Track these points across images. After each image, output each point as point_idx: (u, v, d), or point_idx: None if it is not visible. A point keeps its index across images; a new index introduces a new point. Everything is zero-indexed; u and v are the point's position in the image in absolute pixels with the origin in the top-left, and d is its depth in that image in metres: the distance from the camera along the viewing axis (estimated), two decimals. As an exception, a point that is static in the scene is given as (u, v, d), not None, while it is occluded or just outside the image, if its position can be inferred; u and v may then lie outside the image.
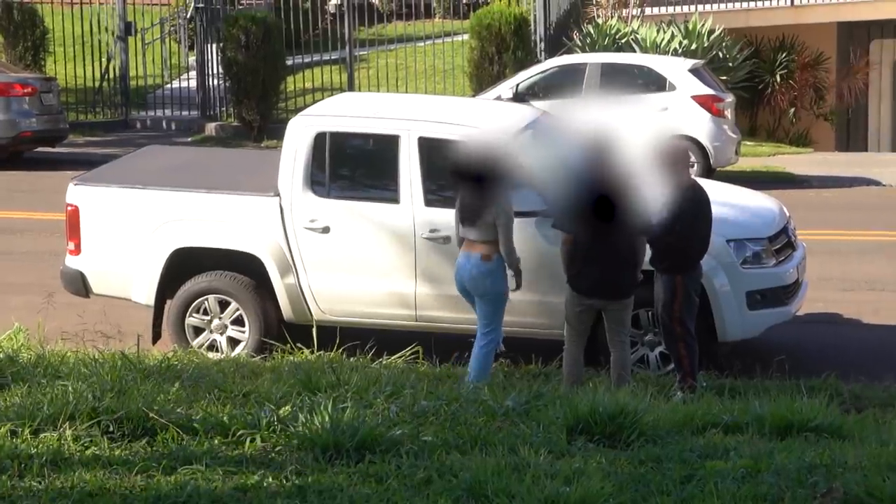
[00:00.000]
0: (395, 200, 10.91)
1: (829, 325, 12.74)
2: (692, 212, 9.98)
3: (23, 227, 16.26)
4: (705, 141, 19.23)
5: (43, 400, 7.18)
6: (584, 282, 9.78)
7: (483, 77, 22.29)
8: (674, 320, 10.04)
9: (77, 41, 24.99)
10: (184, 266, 11.24)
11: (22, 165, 20.83)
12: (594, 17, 24.98)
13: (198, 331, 11.27)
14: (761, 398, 8.91)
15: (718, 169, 19.53)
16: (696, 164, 18.81)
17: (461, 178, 10.15)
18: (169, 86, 25.79)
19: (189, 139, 23.32)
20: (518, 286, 10.06)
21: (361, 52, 25.57)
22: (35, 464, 6.43)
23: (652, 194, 9.94)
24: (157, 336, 11.24)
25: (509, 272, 9.98)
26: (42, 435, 6.76)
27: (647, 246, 9.91)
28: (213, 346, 11.20)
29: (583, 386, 9.43)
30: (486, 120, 11.42)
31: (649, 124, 18.64)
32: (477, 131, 10.82)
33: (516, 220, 9.96)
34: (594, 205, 9.47)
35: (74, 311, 11.39)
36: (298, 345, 10.50)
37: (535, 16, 23.98)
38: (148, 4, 26.40)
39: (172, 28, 27.52)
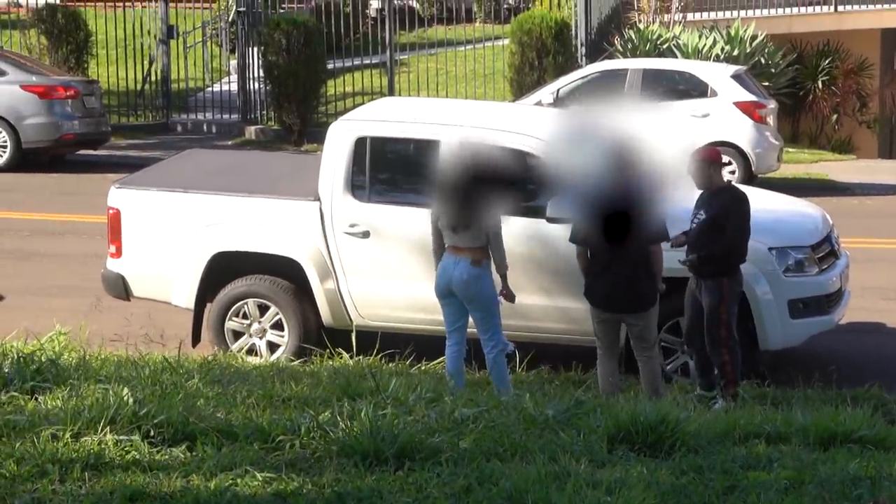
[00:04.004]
0: (436, 206, 10.88)
1: (871, 334, 12.61)
2: (733, 213, 9.90)
3: (64, 230, 16.33)
4: (747, 147, 19.11)
5: (84, 404, 7.18)
6: (595, 294, 9.69)
7: (523, 82, 22.24)
8: (720, 324, 9.91)
9: (119, 44, 25.12)
10: (224, 270, 11.25)
11: (64, 168, 20.92)
12: (636, 22, 24.88)
13: (237, 335, 11.27)
14: (804, 408, 8.84)
15: (760, 176, 19.41)
16: (736, 171, 18.71)
17: (459, 183, 9.79)
18: (210, 89, 25.88)
19: (229, 142, 23.38)
20: (507, 296, 9.87)
21: (402, 57, 25.56)
22: (76, 468, 6.43)
23: (677, 202, 9.84)
24: (196, 340, 11.25)
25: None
26: (83, 439, 6.75)
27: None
28: (252, 351, 11.21)
29: (622, 395, 9.36)
30: (525, 126, 11.36)
31: (690, 130, 18.54)
32: (467, 133, 10.72)
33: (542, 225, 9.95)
34: (604, 218, 9.37)
35: (119, 314, 11.41)
36: (338, 350, 10.50)
37: (576, 21, 23.90)
38: (190, 8, 26.48)
39: (214, 31, 27.60)
